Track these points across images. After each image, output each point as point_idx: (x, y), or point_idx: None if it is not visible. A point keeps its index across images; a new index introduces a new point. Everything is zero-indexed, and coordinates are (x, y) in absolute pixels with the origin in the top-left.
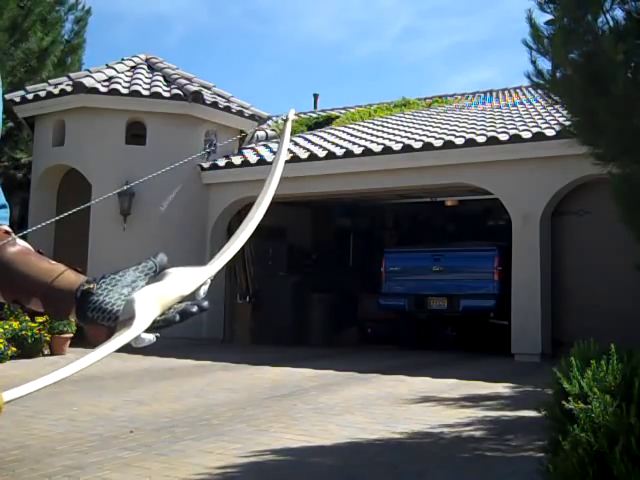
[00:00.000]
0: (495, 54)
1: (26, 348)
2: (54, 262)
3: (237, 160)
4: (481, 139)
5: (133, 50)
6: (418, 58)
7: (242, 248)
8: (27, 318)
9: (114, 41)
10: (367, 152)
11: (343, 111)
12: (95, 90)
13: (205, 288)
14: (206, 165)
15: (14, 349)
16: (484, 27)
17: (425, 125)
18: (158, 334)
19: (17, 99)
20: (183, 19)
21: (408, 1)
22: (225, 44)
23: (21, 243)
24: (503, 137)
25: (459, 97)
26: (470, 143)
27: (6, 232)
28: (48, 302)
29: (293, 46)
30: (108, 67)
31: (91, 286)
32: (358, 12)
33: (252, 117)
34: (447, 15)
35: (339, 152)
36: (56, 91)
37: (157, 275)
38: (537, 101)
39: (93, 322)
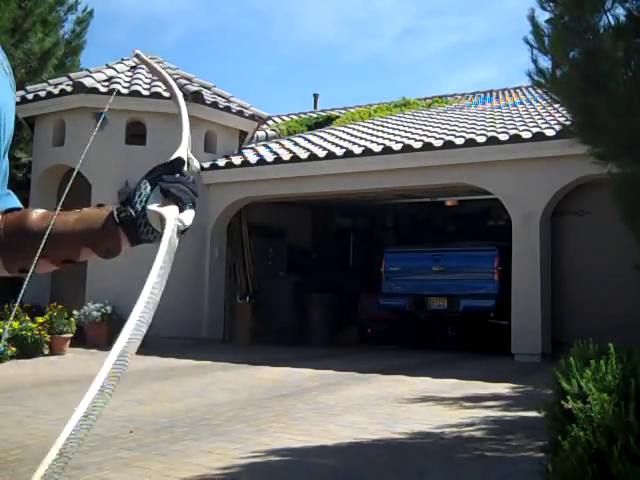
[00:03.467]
0: (493, 54)
1: (26, 348)
2: (77, 210)
3: (237, 160)
4: (481, 139)
5: (130, 50)
6: (417, 58)
7: (242, 248)
8: (27, 318)
9: (112, 41)
10: (367, 152)
11: (343, 111)
12: (95, 90)
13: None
14: (206, 165)
15: (14, 349)
16: (482, 27)
17: (425, 125)
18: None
19: (17, 99)
20: (181, 19)
21: (407, 1)
22: (224, 44)
23: (38, 210)
24: (503, 137)
25: (459, 97)
26: (470, 143)
27: (16, 209)
28: (97, 247)
29: (292, 46)
30: (108, 67)
31: (128, 213)
32: (357, 12)
33: (252, 117)
34: (445, 15)
35: (339, 152)
36: (56, 91)
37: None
38: (537, 101)
39: (148, 242)
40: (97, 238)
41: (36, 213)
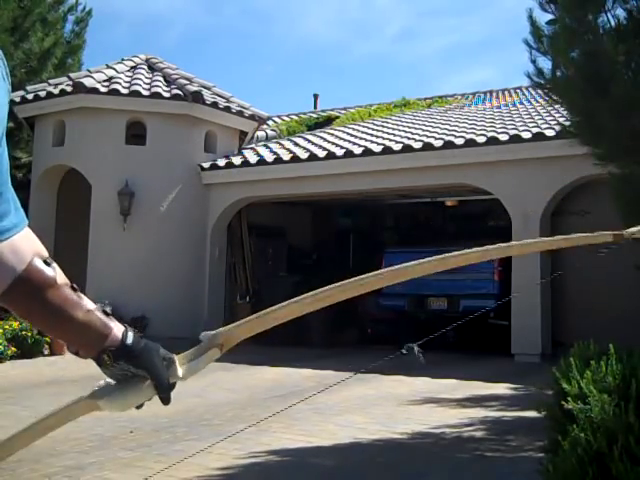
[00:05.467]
0: (492, 54)
1: (26, 348)
2: (89, 307)
3: (237, 160)
4: (481, 139)
5: (130, 50)
6: (415, 58)
7: (242, 248)
8: None
9: (111, 41)
10: (367, 152)
11: (343, 111)
12: (95, 90)
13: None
14: (206, 165)
15: (14, 349)
16: (481, 27)
17: (425, 125)
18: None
19: (17, 99)
20: (180, 19)
21: (405, 1)
22: (223, 44)
23: (59, 277)
24: (503, 137)
25: (459, 97)
26: (470, 143)
27: (45, 262)
28: (74, 347)
29: (291, 46)
30: (108, 67)
31: (107, 361)
32: (355, 12)
33: (252, 117)
34: (444, 15)
35: (339, 152)
36: (56, 91)
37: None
38: (537, 101)
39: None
40: (80, 346)
41: (59, 286)
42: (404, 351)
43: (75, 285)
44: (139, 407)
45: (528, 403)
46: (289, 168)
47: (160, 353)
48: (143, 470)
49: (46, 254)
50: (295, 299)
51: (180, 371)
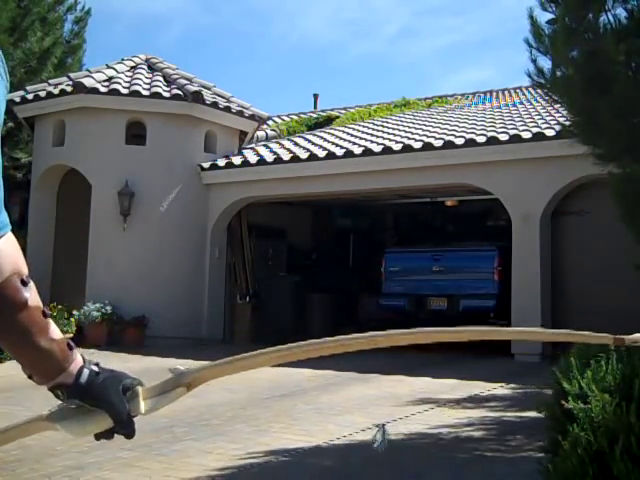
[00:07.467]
0: (490, 54)
1: None
2: (54, 336)
3: (237, 160)
4: (481, 139)
5: (129, 50)
6: (415, 58)
7: (242, 248)
8: None
9: (110, 41)
10: (367, 152)
11: (343, 111)
12: (95, 90)
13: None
14: (206, 165)
15: None
16: (480, 27)
17: (425, 125)
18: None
19: (17, 99)
20: (179, 19)
21: (403, 1)
22: (222, 44)
23: (32, 299)
24: (503, 137)
25: (459, 97)
26: (470, 143)
27: (23, 281)
28: (28, 371)
29: (290, 46)
30: (108, 67)
31: (61, 397)
32: (353, 12)
33: (252, 117)
34: (442, 15)
35: (339, 152)
36: (56, 91)
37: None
38: (537, 101)
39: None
40: (36, 373)
41: (29, 308)
42: None
43: (46, 310)
44: (98, 438)
45: (528, 403)
46: (289, 168)
47: (122, 386)
48: (143, 470)
49: (26, 271)
50: (265, 350)
51: (142, 406)
